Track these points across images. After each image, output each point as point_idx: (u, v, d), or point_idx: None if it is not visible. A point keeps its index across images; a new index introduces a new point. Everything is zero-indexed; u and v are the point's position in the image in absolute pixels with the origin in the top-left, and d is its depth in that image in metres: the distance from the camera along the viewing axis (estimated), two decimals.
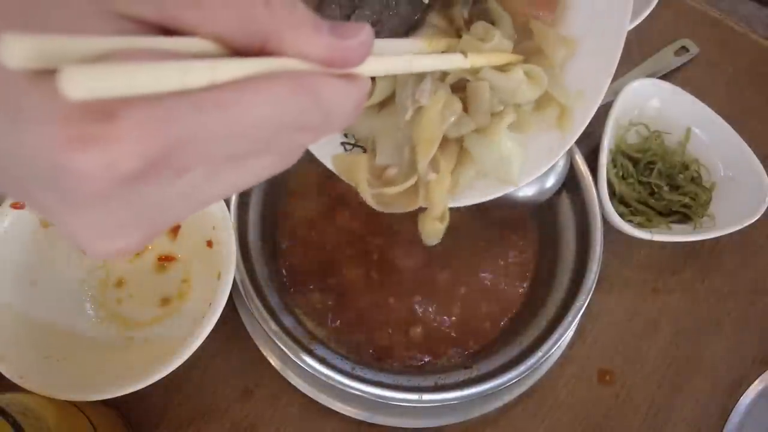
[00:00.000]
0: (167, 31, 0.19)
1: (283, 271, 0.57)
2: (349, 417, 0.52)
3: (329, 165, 0.51)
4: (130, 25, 0.18)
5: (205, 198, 0.21)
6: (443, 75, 0.44)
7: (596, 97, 0.49)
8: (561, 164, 0.56)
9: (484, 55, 0.40)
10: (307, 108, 0.20)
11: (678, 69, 0.72)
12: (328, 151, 0.52)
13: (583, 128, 0.49)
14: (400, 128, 0.45)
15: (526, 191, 0.56)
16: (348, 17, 0.50)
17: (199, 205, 0.21)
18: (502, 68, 0.43)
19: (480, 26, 0.43)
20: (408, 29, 0.51)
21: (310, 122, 0.20)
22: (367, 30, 0.22)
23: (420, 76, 0.44)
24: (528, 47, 0.46)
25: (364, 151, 0.53)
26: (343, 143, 0.51)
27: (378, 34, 0.52)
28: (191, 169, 0.19)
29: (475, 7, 0.47)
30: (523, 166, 0.50)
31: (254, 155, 0.21)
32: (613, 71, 0.48)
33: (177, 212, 0.21)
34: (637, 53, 0.71)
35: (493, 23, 0.45)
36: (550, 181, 0.56)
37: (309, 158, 0.58)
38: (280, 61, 0.20)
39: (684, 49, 0.72)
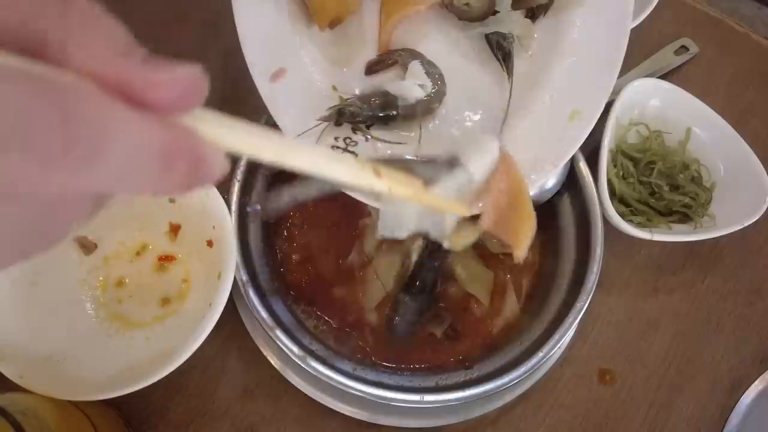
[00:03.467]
0: None
1: (284, 271, 0.57)
2: (350, 417, 0.52)
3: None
4: None
5: None
6: None
7: (593, 116, 0.49)
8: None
9: (408, 187, 0.33)
10: (39, 111, 0.14)
11: (678, 68, 0.72)
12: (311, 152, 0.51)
13: (579, 145, 0.50)
14: None
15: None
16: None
17: None
18: None
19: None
20: None
21: (42, 137, 0.14)
22: (190, 70, 0.17)
23: None
24: None
25: (355, 156, 0.52)
26: (333, 147, 0.51)
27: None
28: None
29: None
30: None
31: None
32: (611, 90, 0.49)
33: None
34: (637, 53, 0.70)
35: None
36: (551, 182, 0.56)
37: None
38: (44, 69, 0.15)
39: (684, 48, 0.72)
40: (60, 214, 0.17)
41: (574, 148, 0.50)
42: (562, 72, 0.51)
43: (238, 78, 0.67)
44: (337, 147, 0.51)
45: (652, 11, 0.66)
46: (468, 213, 0.41)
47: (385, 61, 0.53)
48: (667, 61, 0.71)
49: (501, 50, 0.52)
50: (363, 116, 0.49)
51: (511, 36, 0.51)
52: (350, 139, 0.52)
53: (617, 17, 0.49)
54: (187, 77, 0.17)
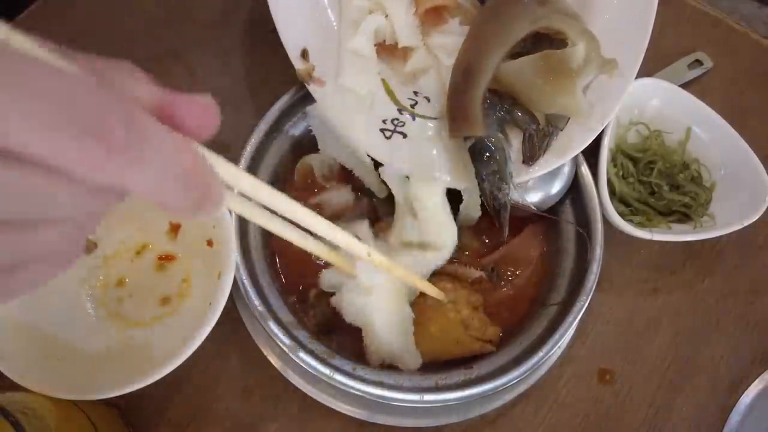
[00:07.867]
0: None
1: (284, 270, 0.57)
2: (349, 416, 0.52)
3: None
4: None
5: None
6: None
7: (632, 70, 0.52)
8: (566, 170, 0.56)
9: (392, 267, 0.42)
10: (113, 112, 0.17)
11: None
12: (364, 137, 0.53)
13: (621, 102, 0.52)
14: None
15: (532, 198, 0.56)
16: None
17: None
18: None
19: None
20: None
21: (113, 131, 0.16)
22: (210, 100, 0.20)
23: None
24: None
25: (404, 137, 0.53)
26: (382, 129, 0.52)
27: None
28: None
29: None
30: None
31: None
32: (646, 44, 0.51)
33: None
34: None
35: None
36: (556, 188, 0.56)
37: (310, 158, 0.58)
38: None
39: (698, 62, 0.72)
40: (96, 206, 0.19)
41: (618, 105, 0.52)
42: (597, 29, 0.52)
43: (239, 78, 0.67)
44: (387, 129, 0.52)
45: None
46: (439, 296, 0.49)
47: None
48: (679, 75, 0.71)
49: (495, 201, 0.52)
50: None
51: (506, 187, 0.52)
52: (398, 120, 0.53)
53: None
54: (210, 105, 0.20)
